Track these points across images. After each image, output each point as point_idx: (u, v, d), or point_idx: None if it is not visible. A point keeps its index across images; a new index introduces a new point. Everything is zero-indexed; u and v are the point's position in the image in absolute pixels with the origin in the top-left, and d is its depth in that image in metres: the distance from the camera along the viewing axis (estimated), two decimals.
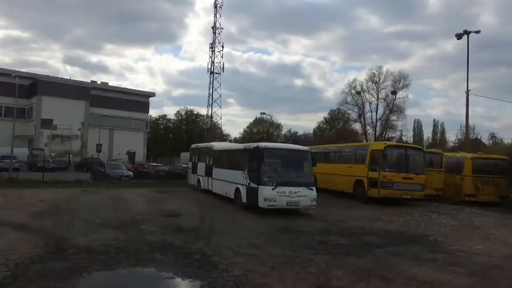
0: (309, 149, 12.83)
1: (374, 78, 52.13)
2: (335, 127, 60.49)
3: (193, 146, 20.36)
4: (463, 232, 10.35)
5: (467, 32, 25.98)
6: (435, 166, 17.60)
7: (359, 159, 16.34)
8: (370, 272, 6.36)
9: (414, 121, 62.50)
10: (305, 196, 11.78)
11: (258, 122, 77.73)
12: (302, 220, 11.15)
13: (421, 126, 60.38)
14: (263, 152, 11.85)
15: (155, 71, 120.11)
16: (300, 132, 69.49)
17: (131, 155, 46.26)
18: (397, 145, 17.02)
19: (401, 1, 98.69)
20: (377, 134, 52.79)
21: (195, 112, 74.57)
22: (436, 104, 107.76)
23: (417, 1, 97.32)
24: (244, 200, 12.55)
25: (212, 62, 65.55)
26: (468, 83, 25.84)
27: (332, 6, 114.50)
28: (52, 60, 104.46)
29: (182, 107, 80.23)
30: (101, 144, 34.21)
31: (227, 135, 71.15)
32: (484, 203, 16.19)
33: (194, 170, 18.98)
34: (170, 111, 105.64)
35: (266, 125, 76.90)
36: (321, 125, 65.92)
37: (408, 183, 14.80)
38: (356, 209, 13.91)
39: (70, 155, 40.84)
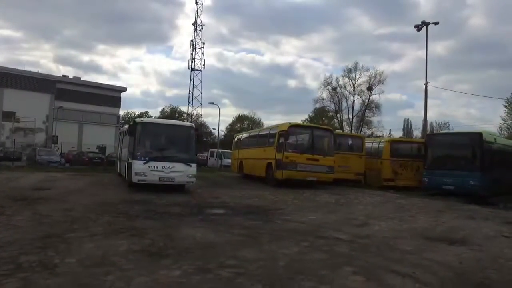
0: (193, 126, 12.51)
1: (350, 74, 52.16)
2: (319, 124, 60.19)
3: (120, 130, 19.95)
4: (322, 206, 10.12)
5: (425, 24, 25.84)
6: (355, 150, 17.15)
7: (271, 142, 15.75)
8: (133, 230, 6.20)
9: (404, 121, 62.84)
10: (181, 172, 11.50)
11: (240, 119, 78.05)
12: (172, 195, 10.79)
13: (410, 126, 60.45)
14: (138, 126, 11.57)
15: (147, 71, 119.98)
16: None
17: (102, 149, 46.14)
18: (303, 125, 16.62)
19: (392, 3, 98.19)
20: (353, 130, 52.57)
21: (178, 110, 74.59)
22: (429, 106, 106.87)
23: (408, 3, 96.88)
24: (126, 176, 12.27)
25: (193, 58, 65.75)
26: (427, 75, 25.53)
27: (321, 7, 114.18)
28: (44, 60, 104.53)
29: (168, 105, 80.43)
30: (57, 136, 33.98)
31: (213, 134, 70.71)
32: (403, 188, 15.82)
33: (119, 155, 18.62)
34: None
35: (249, 123, 77.19)
36: (305, 123, 65.69)
37: (313, 165, 14.24)
38: (254, 190, 13.41)
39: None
